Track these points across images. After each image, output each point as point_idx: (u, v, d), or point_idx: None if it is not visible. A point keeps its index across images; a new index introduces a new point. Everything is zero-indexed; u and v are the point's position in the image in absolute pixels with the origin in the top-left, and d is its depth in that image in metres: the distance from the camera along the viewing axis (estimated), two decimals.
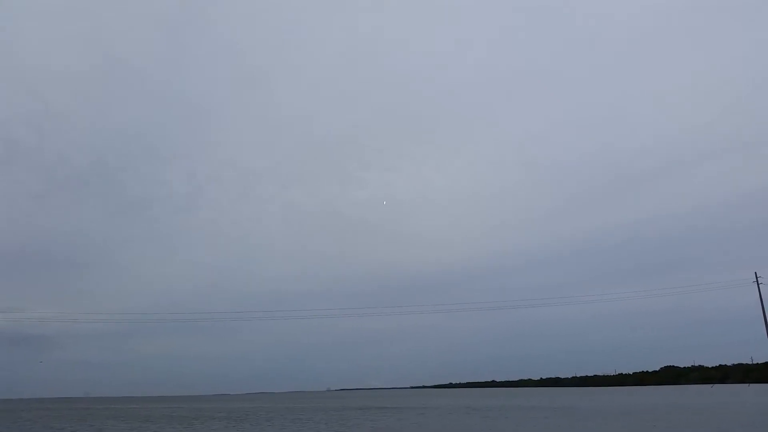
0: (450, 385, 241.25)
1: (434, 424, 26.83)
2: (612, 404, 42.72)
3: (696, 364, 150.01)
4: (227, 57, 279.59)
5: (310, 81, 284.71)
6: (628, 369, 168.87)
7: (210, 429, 26.98)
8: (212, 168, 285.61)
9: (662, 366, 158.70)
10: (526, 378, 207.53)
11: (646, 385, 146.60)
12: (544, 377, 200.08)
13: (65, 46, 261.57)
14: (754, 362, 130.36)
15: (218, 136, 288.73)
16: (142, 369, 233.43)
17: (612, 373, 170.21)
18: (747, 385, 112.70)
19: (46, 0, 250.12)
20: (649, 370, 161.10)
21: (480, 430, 22.24)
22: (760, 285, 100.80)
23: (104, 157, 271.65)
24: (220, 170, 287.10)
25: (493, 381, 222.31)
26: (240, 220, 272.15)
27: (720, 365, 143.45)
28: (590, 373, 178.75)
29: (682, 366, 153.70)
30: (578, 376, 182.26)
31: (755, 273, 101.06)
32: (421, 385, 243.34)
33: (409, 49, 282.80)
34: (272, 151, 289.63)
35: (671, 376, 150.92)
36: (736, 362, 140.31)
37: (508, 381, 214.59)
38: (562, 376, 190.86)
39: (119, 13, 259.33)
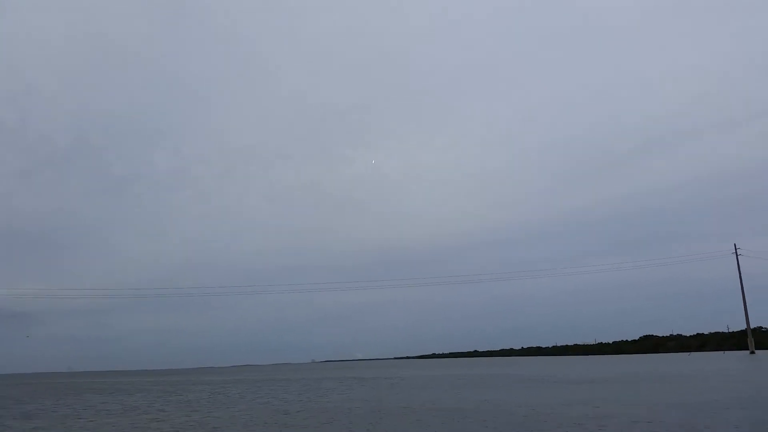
0: (433, 356, 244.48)
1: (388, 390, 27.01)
2: (582, 372, 43.42)
3: (674, 333, 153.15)
4: (214, 36, 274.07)
5: (296, 60, 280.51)
6: (608, 338, 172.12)
7: (186, 399, 27.00)
8: (197, 146, 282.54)
9: (641, 335, 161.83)
10: (507, 348, 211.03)
11: (625, 354, 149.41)
12: (525, 347, 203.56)
13: (48, 24, 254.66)
14: (730, 331, 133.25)
15: (203, 114, 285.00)
16: (127, 344, 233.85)
17: (591, 342, 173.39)
18: (722, 352, 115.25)
19: None
20: (628, 339, 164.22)
21: (439, 397, 22.38)
22: (739, 256, 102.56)
23: (87, 135, 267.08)
24: (205, 148, 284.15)
25: (475, 351, 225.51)
26: (224, 197, 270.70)
27: (697, 334, 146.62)
28: (570, 343, 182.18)
29: (660, 335, 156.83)
30: (559, 345, 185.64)
31: (734, 244, 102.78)
32: (405, 356, 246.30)
33: (396, 28, 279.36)
34: (257, 129, 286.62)
35: (650, 345, 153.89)
36: (713, 331, 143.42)
37: (491, 351, 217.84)
38: (543, 346, 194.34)
39: None
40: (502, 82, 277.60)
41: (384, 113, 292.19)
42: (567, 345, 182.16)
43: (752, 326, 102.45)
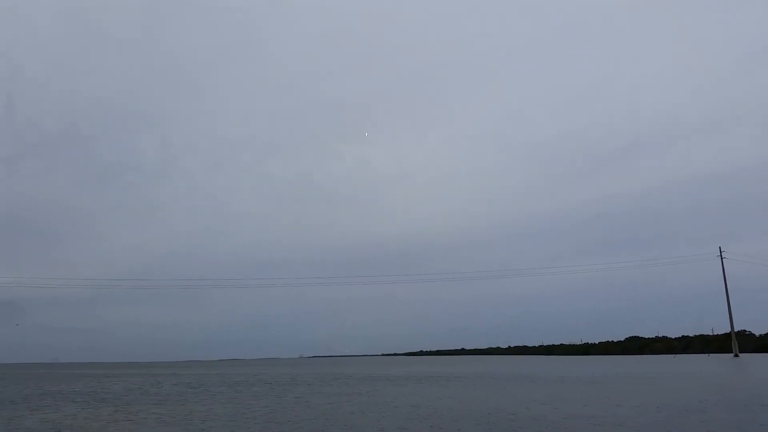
0: (421, 353, 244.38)
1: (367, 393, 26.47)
2: (564, 372, 43.04)
3: (660, 335, 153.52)
4: (206, 26, 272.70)
5: (288, 53, 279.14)
6: (594, 339, 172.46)
7: (163, 392, 26.37)
8: (187, 136, 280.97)
9: (627, 336, 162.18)
10: (494, 346, 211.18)
11: (610, 354, 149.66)
12: (512, 345, 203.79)
13: (38, 10, 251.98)
14: (715, 333, 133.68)
15: (194, 104, 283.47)
16: (114, 335, 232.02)
17: (578, 342, 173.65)
18: (707, 355, 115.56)
19: None
20: (614, 340, 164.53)
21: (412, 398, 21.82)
22: (723, 259, 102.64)
23: (76, 123, 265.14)
24: (195, 139, 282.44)
25: (462, 349, 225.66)
26: (214, 189, 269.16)
27: (682, 336, 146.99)
28: (557, 342, 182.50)
29: (646, 336, 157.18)
30: (545, 344, 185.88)
31: (719, 248, 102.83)
32: (393, 352, 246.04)
33: (388, 24, 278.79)
34: (248, 121, 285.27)
35: (635, 346, 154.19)
36: (698, 333, 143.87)
37: (478, 349, 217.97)
38: (530, 345, 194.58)
39: None
40: (495, 81, 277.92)
41: (376, 109, 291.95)
42: (553, 344, 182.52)
43: (736, 329, 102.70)
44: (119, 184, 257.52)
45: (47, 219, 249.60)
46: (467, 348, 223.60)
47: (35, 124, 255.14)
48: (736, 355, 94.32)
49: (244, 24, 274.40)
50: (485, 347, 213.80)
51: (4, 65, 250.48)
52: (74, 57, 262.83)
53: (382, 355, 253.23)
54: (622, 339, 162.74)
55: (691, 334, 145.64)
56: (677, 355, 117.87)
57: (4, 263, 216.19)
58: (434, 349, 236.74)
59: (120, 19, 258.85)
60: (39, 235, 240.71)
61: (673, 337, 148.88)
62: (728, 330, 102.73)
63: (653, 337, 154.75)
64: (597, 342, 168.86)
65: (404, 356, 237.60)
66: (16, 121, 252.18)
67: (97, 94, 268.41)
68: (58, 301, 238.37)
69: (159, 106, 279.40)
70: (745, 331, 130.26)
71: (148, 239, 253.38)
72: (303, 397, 23.37)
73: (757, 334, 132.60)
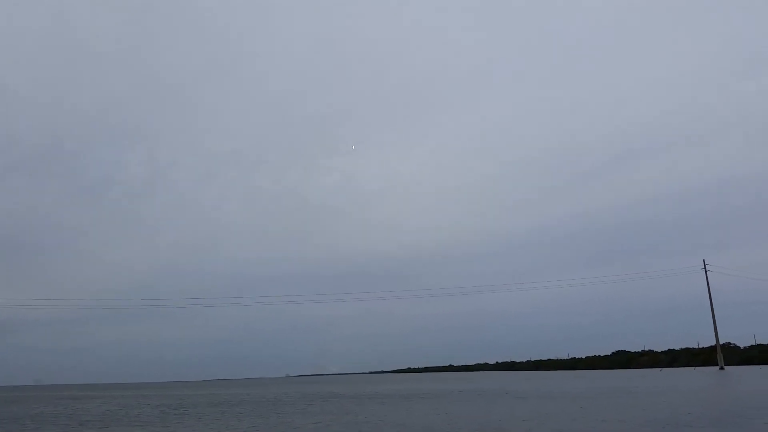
0: (409, 370, 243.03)
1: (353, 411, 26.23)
2: (551, 387, 42.97)
3: (646, 349, 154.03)
4: (194, 40, 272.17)
5: (276, 67, 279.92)
6: (581, 353, 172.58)
7: (139, 415, 25.91)
8: (174, 151, 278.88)
9: (613, 350, 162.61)
10: (482, 362, 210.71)
11: (597, 368, 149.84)
12: (500, 361, 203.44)
13: (21, 24, 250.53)
14: (700, 346, 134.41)
15: (180, 119, 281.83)
16: (97, 356, 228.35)
17: (565, 357, 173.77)
18: (693, 368, 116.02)
19: None
20: (601, 355, 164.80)
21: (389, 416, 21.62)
22: (708, 272, 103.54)
23: (61, 139, 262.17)
24: (182, 153, 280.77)
25: (450, 365, 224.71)
26: (201, 204, 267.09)
27: (669, 350, 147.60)
28: (544, 357, 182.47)
29: (632, 350, 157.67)
30: (532, 360, 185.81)
31: (703, 260, 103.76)
32: (380, 370, 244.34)
33: (375, 38, 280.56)
34: (236, 135, 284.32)
35: (622, 360, 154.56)
36: (683, 347, 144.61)
37: (465, 365, 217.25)
38: (518, 360, 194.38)
39: None
40: (480, 94, 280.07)
41: (363, 122, 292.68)
42: (541, 360, 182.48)
43: (721, 342, 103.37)
44: (105, 200, 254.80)
45: (31, 236, 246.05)
46: (455, 364, 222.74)
47: (18, 140, 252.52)
48: (722, 368, 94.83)
49: (231, 39, 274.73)
50: (473, 363, 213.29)
51: None
52: (58, 71, 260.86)
53: (370, 372, 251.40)
54: (609, 353, 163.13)
55: (677, 348, 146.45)
56: (663, 369, 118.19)
57: None
58: (422, 366, 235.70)
59: (105, 33, 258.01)
60: (23, 253, 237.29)
61: (660, 351, 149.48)
62: (713, 343, 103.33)
63: (640, 350, 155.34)
64: (584, 356, 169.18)
65: (392, 374, 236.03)
66: None
67: (82, 109, 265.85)
68: (41, 321, 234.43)
69: (145, 121, 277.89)
70: (730, 343, 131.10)
71: (134, 256, 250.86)
72: (287, 417, 23.06)
73: (741, 346, 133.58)
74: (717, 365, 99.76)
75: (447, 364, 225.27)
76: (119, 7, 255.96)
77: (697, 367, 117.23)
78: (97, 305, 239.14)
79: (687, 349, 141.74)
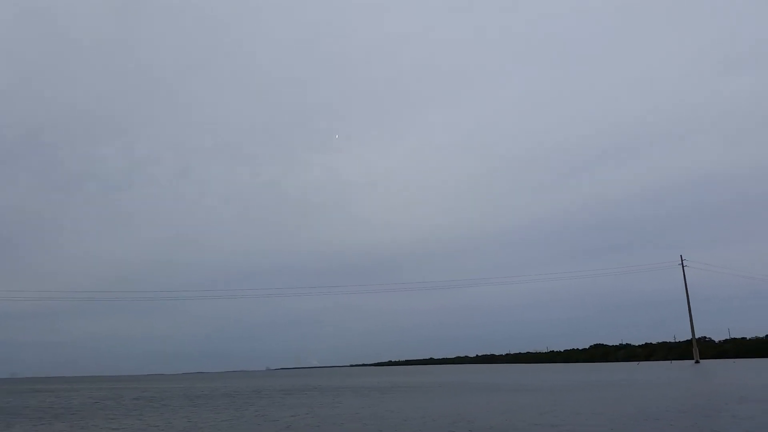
0: (389, 363, 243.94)
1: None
2: (528, 380, 43.37)
3: (623, 343, 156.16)
4: (172, 36, 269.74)
5: (255, 62, 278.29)
6: (559, 347, 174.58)
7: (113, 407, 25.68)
8: (153, 145, 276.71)
9: (591, 344, 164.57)
10: (462, 355, 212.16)
11: (575, 362, 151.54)
12: (479, 354, 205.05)
13: None
14: (677, 340, 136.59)
15: (160, 113, 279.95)
16: (75, 348, 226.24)
17: (544, 350, 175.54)
18: (669, 362, 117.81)
19: None
20: (579, 348, 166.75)
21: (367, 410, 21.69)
22: (684, 267, 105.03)
23: (38, 132, 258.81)
24: (162, 147, 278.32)
25: (431, 358, 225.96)
26: (181, 199, 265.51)
27: (646, 343, 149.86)
28: (523, 351, 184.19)
29: (610, 344, 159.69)
30: (512, 353, 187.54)
31: (680, 256, 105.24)
32: (360, 363, 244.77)
33: (357, 32, 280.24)
34: (216, 129, 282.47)
35: (600, 353, 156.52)
36: (660, 341, 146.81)
37: (446, 358, 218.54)
38: (497, 353, 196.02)
39: None
40: (464, 91, 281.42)
41: (346, 118, 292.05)
42: (520, 353, 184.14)
43: (697, 336, 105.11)
44: (83, 193, 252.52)
45: (8, 228, 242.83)
46: (435, 357, 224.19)
47: None
48: (697, 362, 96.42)
49: (212, 33, 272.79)
50: (453, 356, 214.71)
51: None
52: (36, 63, 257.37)
53: (350, 366, 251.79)
54: (587, 347, 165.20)
55: (654, 342, 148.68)
56: (640, 363, 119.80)
57: None
58: (402, 359, 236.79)
59: (85, 25, 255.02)
60: (1, 247, 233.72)
61: (637, 345, 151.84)
62: (690, 337, 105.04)
63: (617, 344, 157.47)
64: (562, 350, 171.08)
65: (372, 367, 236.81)
66: None
67: (60, 101, 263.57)
68: (18, 314, 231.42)
69: (124, 114, 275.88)
70: (705, 337, 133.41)
71: (112, 249, 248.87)
72: (264, 410, 22.98)
73: (716, 340, 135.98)
74: (693, 359, 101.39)
75: (428, 357, 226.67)
76: (102, 1, 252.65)
77: (673, 361, 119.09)
78: (74, 298, 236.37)
79: (664, 343, 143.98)
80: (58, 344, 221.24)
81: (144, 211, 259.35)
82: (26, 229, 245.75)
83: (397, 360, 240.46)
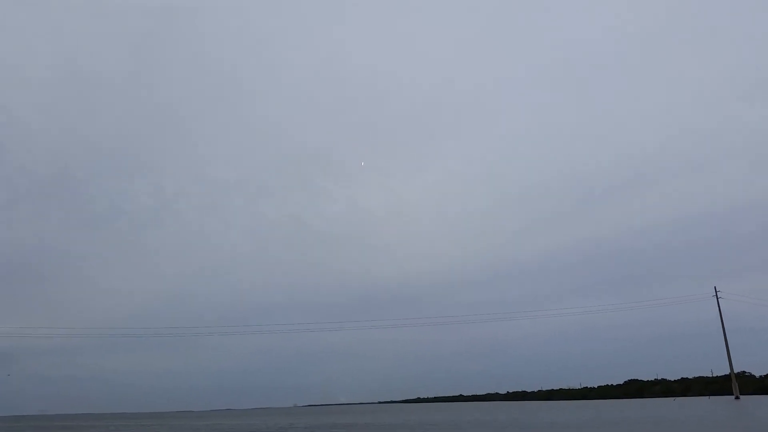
0: (418, 400, 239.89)
1: None
2: (558, 417, 42.11)
3: (659, 378, 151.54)
4: (197, 72, 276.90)
5: (279, 96, 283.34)
6: (593, 382, 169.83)
7: None
8: (179, 181, 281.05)
9: (626, 379, 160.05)
10: (493, 392, 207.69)
11: (609, 398, 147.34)
12: (510, 391, 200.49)
13: (31, 57, 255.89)
14: (714, 375, 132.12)
15: (186, 149, 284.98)
16: (104, 385, 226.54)
17: (577, 386, 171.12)
18: (707, 397, 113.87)
19: (13, 10, 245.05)
20: (613, 384, 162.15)
21: None
22: (719, 299, 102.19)
23: (69, 169, 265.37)
24: (188, 183, 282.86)
25: (460, 395, 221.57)
26: (207, 233, 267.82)
27: (682, 378, 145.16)
28: (556, 387, 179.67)
29: (645, 379, 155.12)
30: (544, 389, 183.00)
31: (714, 287, 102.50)
32: (389, 399, 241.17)
33: (378, 67, 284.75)
34: (240, 164, 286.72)
35: (635, 389, 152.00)
36: (697, 375, 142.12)
37: (476, 395, 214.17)
38: (529, 390, 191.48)
39: (88, 25, 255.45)
40: (484, 122, 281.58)
41: (367, 150, 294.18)
42: (552, 389, 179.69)
43: (736, 370, 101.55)
44: (111, 228, 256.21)
45: (39, 265, 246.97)
46: (465, 394, 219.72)
47: (27, 170, 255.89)
48: (737, 398, 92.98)
49: (233, 71, 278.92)
50: (483, 393, 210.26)
51: None
52: (66, 103, 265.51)
53: (379, 402, 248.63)
54: (621, 382, 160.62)
55: (690, 376, 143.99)
56: (677, 398, 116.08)
57: None
58: (431, 395, 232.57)
59: (111, 66, 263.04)
60: (29, 281, 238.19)
61: (673, 380, 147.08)
62: (728, 371, 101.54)
63: (652, 379, 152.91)
64: (596, 386, 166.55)
65: (401, 404, 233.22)
66: (8, 167, 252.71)
67: (89, 140, 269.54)
68: (46, 350, 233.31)
69: (151, 151, 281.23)
70: (745, 372, 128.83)
71: (139, 285, 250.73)
72: None
73: (757, 375, 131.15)
74: (732, 394, 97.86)
75: (457, 394, 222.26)
76: (126, 43, 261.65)
77: (711, 396, 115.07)
78: (103, 334, 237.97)
79: (701, 377, 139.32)
80: (86, 380, 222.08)
81: (171, 246, 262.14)
82: (56, 265, 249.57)
83: (425, 397, 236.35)
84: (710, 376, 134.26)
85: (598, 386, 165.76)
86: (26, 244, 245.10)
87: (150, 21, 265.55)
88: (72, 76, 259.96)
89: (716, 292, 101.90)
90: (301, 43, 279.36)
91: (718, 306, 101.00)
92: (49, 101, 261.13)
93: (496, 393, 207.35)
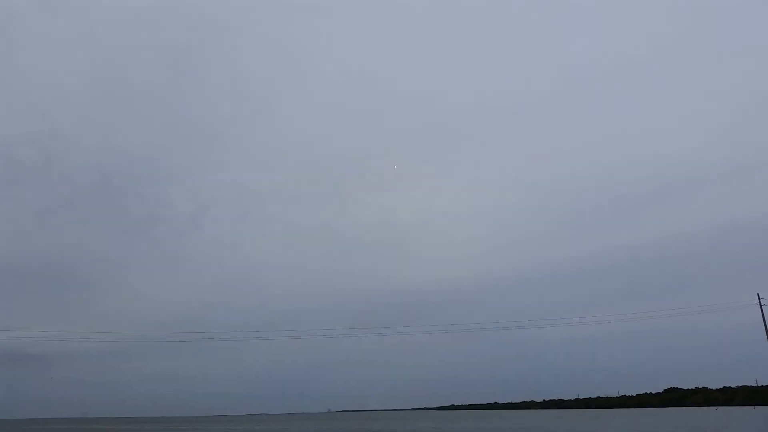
0: (452, 407, 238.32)
1: None
2: (593, 427, 41.44)
3: (700, 386, 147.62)
4: (231, 81, 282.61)
5: (312, 104, 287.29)
6: (632, 391, 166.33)
7: None
8: (215, 188, 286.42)
9: (665, 388, 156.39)
10: (528, 400, 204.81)
11: (649, 407, 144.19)
12: (546, 399, 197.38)
13: (72, 70, 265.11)
14: (759, 384, 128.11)
15: (221, 157, 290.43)
16: (142, 389, 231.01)
17: (615, 395, 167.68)
18: (752, 407, 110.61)
19: (54, 24, 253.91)
20: (653, 392, 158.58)
21: None
22: (762, 306, 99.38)
23: (108, 177, 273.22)
24: (223, 191, 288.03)
25: (495, 402, 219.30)
26: (241, 240, 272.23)
27: (724, 387, 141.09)
28: (593, 395, 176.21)
29: (685, 388, 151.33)
30: (581, 398, 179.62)
31: (758, 294, 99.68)
32: (423, 406, 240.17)
33: (409, 75, 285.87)
34: (274, 171, 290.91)
35: (675, 398, 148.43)
36: (740, 384, 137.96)
37: (511, 403, 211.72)
38: (565, 398, 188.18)
39: (126, 37, 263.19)
40: (515, 127, 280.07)
41: (399, 158, 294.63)
42: (590, 398, 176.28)
43: None
44: (149, 235, 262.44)
45: (79, 271, 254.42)
46: (500, 402, 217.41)
47: (69, 179, 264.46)
48: None
49: (267, 80, 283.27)
50: (519, 401, 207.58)
51: (42, 125, 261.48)
52: (105, 114, 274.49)
53: (413, 409, 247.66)
54: (661, 391, 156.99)
55: (733, 385, 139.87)
56: (719, 408, 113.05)
57: (37, 316, 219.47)
58: (466, 402, 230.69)
59: (149, 78, 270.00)
60: (70, 287, 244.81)
61: (714, 389, 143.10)
62: None
63: (693, 388, 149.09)
64: (635, 394, 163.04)
65: (435, 410, 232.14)
66: (51, 176, 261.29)
67: (128, 149, 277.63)
68: (87, 354, 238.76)
69: (187, 160, 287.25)
70: None
71: (177, 290, 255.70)
72: None
73: None
74: None
75: (492, 401, 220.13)
76: (163, 55, 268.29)
77: (756, 407, 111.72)
78: (142, 339, 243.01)
79: (745, 387, 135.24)
80: (126, 384, 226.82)
81: (207, 252, 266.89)
82: (96, 271, 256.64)
83: (460, 404, 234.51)
84: (755, 385, 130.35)
85: (637, 394, 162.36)
86: (67, 251, 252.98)
87: (186, 34, 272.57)
88: (111, 89, 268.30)
89: (759, 299, 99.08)
90: (334, 54, 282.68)
91: (762, 313, 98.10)
92: (89, 112, 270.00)
93: (532, 401, 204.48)
